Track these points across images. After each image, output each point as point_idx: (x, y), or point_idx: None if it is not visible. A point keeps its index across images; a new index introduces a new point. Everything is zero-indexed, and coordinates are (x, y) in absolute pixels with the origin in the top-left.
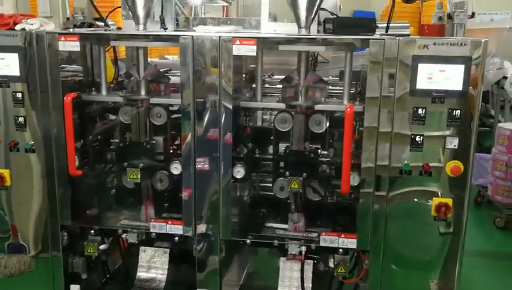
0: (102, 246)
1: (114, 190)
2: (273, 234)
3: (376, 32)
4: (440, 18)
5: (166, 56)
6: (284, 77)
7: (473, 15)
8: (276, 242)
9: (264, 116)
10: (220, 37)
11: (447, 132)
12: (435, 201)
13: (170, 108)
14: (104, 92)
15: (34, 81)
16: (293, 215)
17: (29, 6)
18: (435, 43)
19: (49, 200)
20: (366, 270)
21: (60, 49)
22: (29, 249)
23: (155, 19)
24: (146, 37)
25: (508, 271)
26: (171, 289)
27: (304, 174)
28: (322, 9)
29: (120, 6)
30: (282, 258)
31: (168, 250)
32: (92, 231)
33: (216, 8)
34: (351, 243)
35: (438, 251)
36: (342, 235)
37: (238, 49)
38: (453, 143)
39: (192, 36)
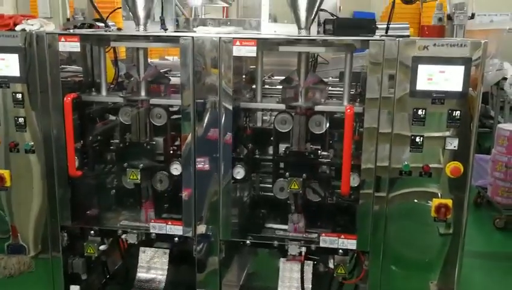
0: (102, 247)
1: (114, 191)
2: (273, 234)
3: (376, 34)
4: (440, 19)
5: (166, 57)
6: (284, 77)
7: (472, 16)
8: (276, 243)
9: (264, 117)
10: (220, 38)
11: (447, 133)
12: (435, 202)
13: (170, 109)
14: (104, 92)
15: (34, 81)
16: (293, 216)
17: (29, 7)
18: (434, 44)
19: (49, 200)
20: (365, 271)
21: (60, 50)
22: (29, 250)
23: (155, 19)
24: (146, 38)
25: (507, 272)
26: None
27: (304, 175)
28: (322, 10)
29: (120, 7)
30: (282, 259)
31: (167, 251)
32: (92, 232)
33: (216, 9)
34: (350, 244)
35: (437, 252)
36: (342, 236)
37: (238, 50)
38: (453, 144)
39: (193, 37)
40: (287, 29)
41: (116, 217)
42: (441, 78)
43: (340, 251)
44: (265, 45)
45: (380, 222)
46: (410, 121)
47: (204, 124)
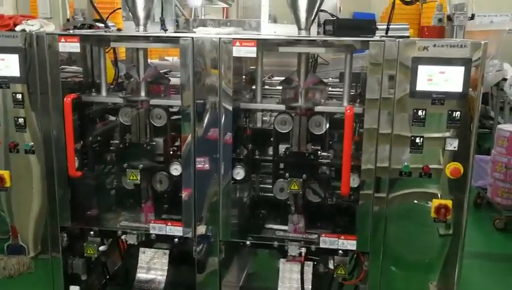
0: (101, 247)
1: (114, 191)
2: (273, 235)
3: (376, 34)
4: (440, 20)
5: (166, 57)
6: (284, 78)
7: (472, 17)
8: (275, 243)
9: (264, 118)
10: (220, 38)
11: (447, 134)
12: (435, 203)
13: (170, 109)
14: (104, 93)
15: (34, 82)
16: (292, 217)
17: (29, 7)
18: (434, 45)
19: (48, 201)
20: (365, 272)
21: (60, 50)
22: (28, 250)
23: (155, 20)
24: (146, 39)
25: (507, 273)
26: None
27: (304, 175)
28: (322, 10)
29: (120, 8)
30: (282, 260)
31: (167, 251)
32: (92, 232)
33: (216, 10)
34: (350, 244)
35: (437, 253)
36: (342, 237)
37: (238, 51)
38: (453, 145)
39: (193, 38)
40: (287, 30)
41: (116, 217)
42: (441, 79)
43: (340, 251)
44: (265, 46)
45: (380, 223)
46: (410, 121)
47: (204, 125)
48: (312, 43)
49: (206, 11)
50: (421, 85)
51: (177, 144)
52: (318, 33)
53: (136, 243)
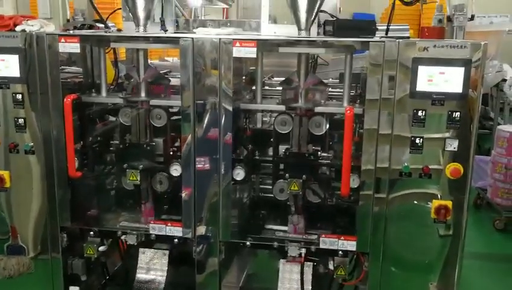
0: (101, 248)
1: (113, 192)
2: (273, 236)
3: (376, 35)
4: (440, 21)
5: (166, 58)
6: (283, 79)
7: (472, 18)
8: (275, 244)
9: (264, 118)
10: (220, 39)
11: (447, 134)
12: (435, 203)
13: (170, 110)
14: (104, 93)
15: (34, 82)
16: (292, 217)
17: (29, 8)
18: (434, 46)
19: (48, 201)
20: (365, 273)
21: (60, 51)
22: (28, 251)
23: (155, 20)
24: (146, 39)
25: (507, 273)
26: None
27: (304, 176)
28: (322, 11)
29: (120, 8)
30: (282, 260)
31: (167, 252)
32: (92, 233)
33: (216, 10)
34: (350, 245)
35: (437, 253)
36: (342, 238)
37: (238, 51)
38: (453, 145)
39: (193, 38)
40: (287, 30)
41: (116, 218)
42: (441, 80)
43: (340, 252)
44: (265, 46)
45: (380, 223)
46: (410, 122)
47: (204, 125)
48: (312, 43)
49: (206, 11)
50: (421, 86)
51: (177, 144)
52: (318, 34)
53: (135, 244)
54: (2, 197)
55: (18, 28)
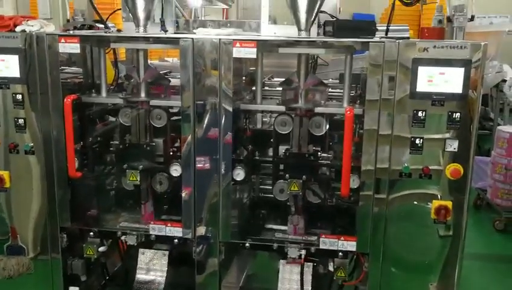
0: (101, 248)
1: (113, 192)
2: (273, 237)
3: (376, 35)
4: (440, 21)
5: (166, 58)
6: (283, 79)
7: (472, 18)
8: (275, 245)
9: (264, 119)
10: (220, 39)
11: (447, 135)
12: (435, 204)
13: (170, 110)
14: (104, 93)
15: (34, 83)
16: (292, 218)
17: (29, 8)
18: (434, 46)
19: (48, 202)
20: (365, 273)
21: (60, 51)
22: (28, 251)
23: (155, 21)
24: (146, 40)
25: (507, 274)
26: None
27: (304, 176)
28: (322, 12)
29: (120, 9)
30: (281, 261)
31: (167, 252)
32: (91, 233)
33: (216, 11)
34: (350, 245)
35: (437, 254)
36: (342, 238)
37: (238, 52)
38: (453, 146)
39: (193, 38)
40: (286, 31)
41: (116, 218)
42: (441, 80)
43: (340, 253)
44: (265, 47)
45: (380, 224)
46: (410, 122)
47: (204, 126)
48: (312, 44)
49: (206, 12)
50: (421, 86)
51: (177, 144)
52: (318, 34)
53: (135, 244)
54: (2, 198)
55: (18, 29)
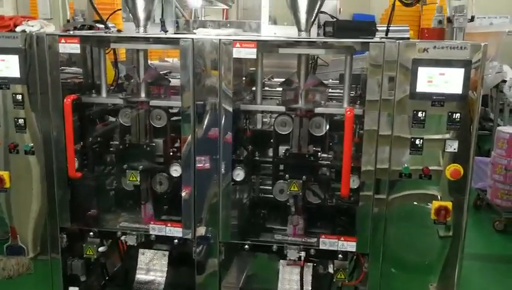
0: (101, 249)
1: (113, 192)
2: (272, 238)
3: (376, 36)
4: (440, 22)
5: (166, 58)
6: (283, 80)
7: (472, 19)
8: (275, 246)
9: (264, 119)
10: (220, 39)
11: (447, 135)
12: (435, 204)
13: (170, 110)
14: (104, 94)
15: (34, 83)
16: (292, 218)
17: (29, 8)
18: (434, 47)
19: (48, 202)
20: (365, 274)
21: (60, 51)
22: (28, 251)
23: (155, 21)
24: (146, 40)
25: (507, 274)
26: None
27: (304, 177)
28: (322, 12)
29: (120, 9)
30: (281, 261)
31: (167, 252)
32: (91, 233)
33: (216, 11)
34: (350, 246)
35: (437, 254)
36: (342, 238)
37: (238, 52)
38: (453, 146)
39: (193, 39)
40: (287, 31)
41: (116, 218)
42: (441, 81)
43: (340, 255)
44: (265, 47)
45: (380, 224)
46: (410, 123)
47: (204, 126)
48: (312, 44)
49: (206, 12)
50: (421, 87)
51: (177, 145)
52: (318, 34)
53: (135, 244)
54: (2, 198)
55: (18, 29)
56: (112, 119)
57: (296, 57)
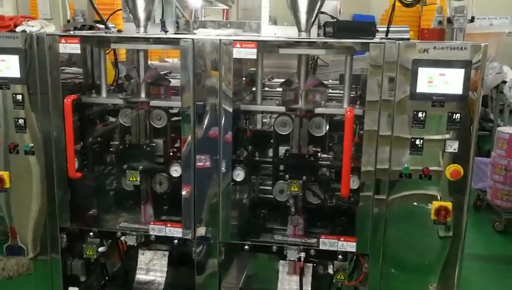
0: (101, 249)
1: (113, 192)
2: (272, 239)
3: (376, 36)
4: (440, 22)
5: (166, 59)
6: (284, 80)
7: (472, 19)
8: (275, 246)
9: (264, 120)
10: (220, 40)
11: (447, 136)
12: (435, 205)
13: (170, 111)
14: (104, 94)
15: (34, 83)
16: (292, 219)
17: (29, 8)
18: (435, 47)
19: (48, 202)
20: (365, 274)
21: (60, 52)
22: (27, 251)
23: (155, 21)
24: (146, 40)
25: (507, 275)
26: None
27: (304, 177)
28: (322, 12)
29: (121, 9)
30: (281, 261)
31: (167, 253)
32: (91, 233)
33: (216, 11)
34: (350, 246)
35: (437, 255)
36: (342, 239)
37: (239, 52)
38: (453, 147)
39: (193, 39)
40: (287, 32)
41: (116, 218)
42: (441, 81)
43: (340, 255)
44: (266, 47)
45: (380, 225)
46: (410, 123)
47: (204, 126)
48: (312, 44)
49: (206, 12)
50: (421, 87)
51: (177, 145)
52: (318, 35)
53: (135, 245)
54: (2, 198)
55: (18, 29)
56: (112, 119)
57: (296, 58)
